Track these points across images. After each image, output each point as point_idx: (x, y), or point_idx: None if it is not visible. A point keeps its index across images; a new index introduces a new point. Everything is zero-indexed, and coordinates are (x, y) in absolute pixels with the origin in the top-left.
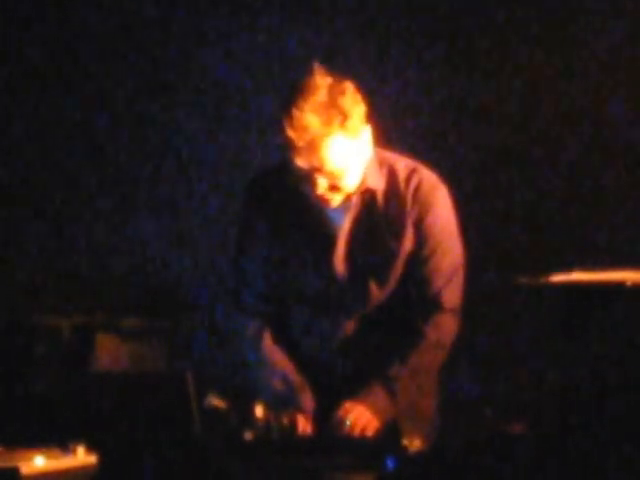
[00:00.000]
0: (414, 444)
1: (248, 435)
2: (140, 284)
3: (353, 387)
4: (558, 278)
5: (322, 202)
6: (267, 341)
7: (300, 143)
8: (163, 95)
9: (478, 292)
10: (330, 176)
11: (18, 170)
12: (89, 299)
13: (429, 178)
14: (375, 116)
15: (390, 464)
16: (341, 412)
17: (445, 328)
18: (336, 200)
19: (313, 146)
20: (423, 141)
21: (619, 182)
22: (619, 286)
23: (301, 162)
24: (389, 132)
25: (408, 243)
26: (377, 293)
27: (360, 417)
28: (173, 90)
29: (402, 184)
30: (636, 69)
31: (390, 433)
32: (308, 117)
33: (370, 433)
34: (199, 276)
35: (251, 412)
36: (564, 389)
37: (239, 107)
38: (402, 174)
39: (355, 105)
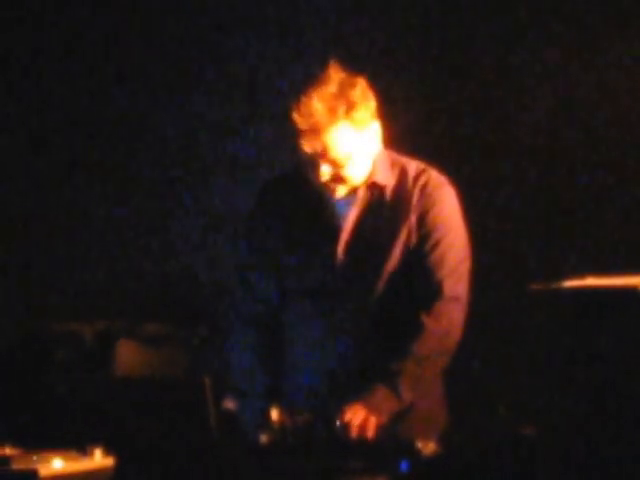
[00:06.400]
0: (428, 447)
1: (264, 438)
2: (161, 291)
3: (356, 386)
4: (571, 283)
5: (327, 191)
6: (257, 346)
7: (304, 127)
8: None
9: (491, 299)
10: (334, 164)
11: (42, 179)
12: (110, 305)
13: (437, 177)
14: (387, 119)
15: (404, 467)
16: (339, 414)
17: (446, 316)
18: (341, 190)
19: (317, 131)
20: (434, 148)
21: (633, 185)
22: (633, 291)
23: (305, 147)
24: (399, 135)
25: (412, 237)
26: (375, 286)
27: (357, 417)
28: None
29: (410, 182)
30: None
31: (404, 436)
32: (315, 104)
33: (369, 432)
34: (220, 283)
35: (267, 415)
36: (578, 394)
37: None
38: (412, 173)
39: (364, 99)
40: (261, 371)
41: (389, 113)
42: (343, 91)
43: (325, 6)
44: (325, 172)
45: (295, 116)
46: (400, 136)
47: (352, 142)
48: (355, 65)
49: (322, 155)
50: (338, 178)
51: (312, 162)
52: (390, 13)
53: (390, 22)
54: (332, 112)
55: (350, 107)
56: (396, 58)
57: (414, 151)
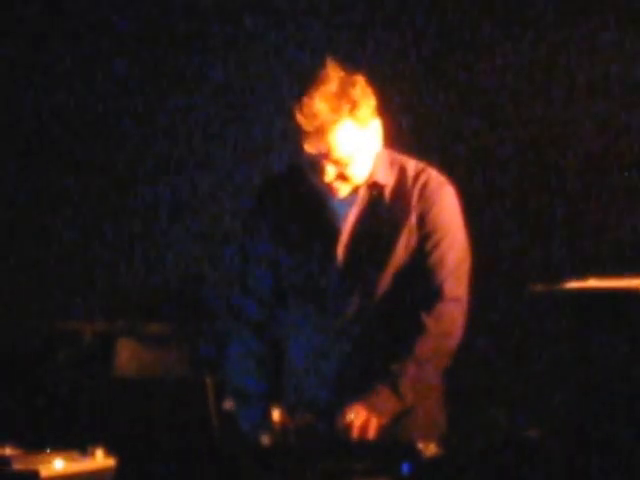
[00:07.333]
0: (429, 449)
1: (265, 439)
2: (161, 291)
3: (357, 387)
4: (573, 285)
5: (330, 191)
6: (256, 347)
7: (309, 128)
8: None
9: (492, 299)
10: (338, 163)
11: (40, 179)
12: (110, 305)
13: (437, 177)
14: (386, 117)
15: (405, 469)
16: (340, 415)
17: (447, 317)
18: (344, 190)
19: (321, 131)
20: (433, 147)
21: (634, 187)
22: (634, 293)
23: (310, 148)
24: (397, 133)
25: (412, 238)
26: (376, 287)
27: (358, 418)
28: (191, 92)
29: (410, 181)
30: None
31: (405, 438)
32: (318, 104)
33: (371, 433)
34: (221, 282)
35: (268, 416)
36: (579, 396)
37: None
38: (411, 173)
39: (365, 97)
40: (260, 373)
41: (387, 112)
42: (344, 90)
43: (323, 4)
44: (330, 173)
45: (299, 117)
46: (398, 135)
47: (356, 140)
48: (353, 64)
49: (326, 155)
50: (342, 177)
51: (316, 163)
52: (389, 11)
53: (389, 21)
54: (336, 111)
55: (353, 105)
56: (395, 57)
57: (413, 150)
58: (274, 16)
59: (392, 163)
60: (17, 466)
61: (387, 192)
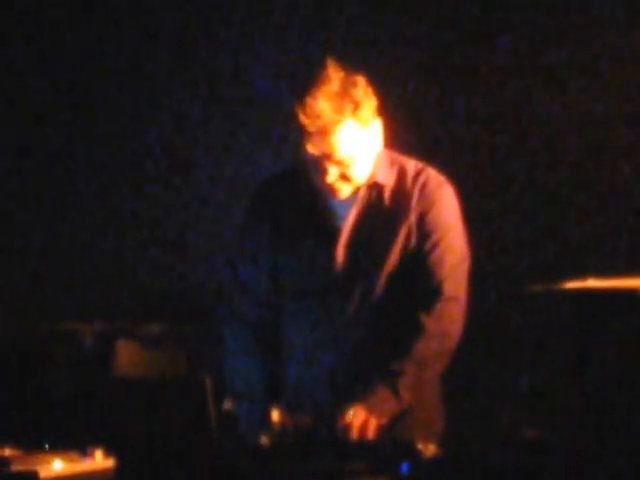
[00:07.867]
0: (429, 449)
1: (264, 440)
2: (160, 290)
3: (357, 387)
4: (572, 285)
5: (332, 192)
6: (254, 347)
7: (312, 129)
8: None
9: (491, 299)
10: (340, 164)
11: (41, 179)
12: (110, 305)
13: (436, 177)
14: (386, 117)
15: (405, 469)
16: (339, 416)
17: (446, 316)
18: (345, 190)
19: (324, 132)
20: (432, 146)
21: (635, 186)
22: (634, 293)
23: (312, 149)
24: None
25: (411, 237)
26: (375, 286)
27: (358, 418)
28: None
29: (409, 181)
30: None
31: (404, 438)
32: (321, 104)
33: (370, 434)
34: (220, 282)
35: (267, 416)
36: (579, 395)
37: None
38: (411, 173)
39: (366, 97)
40: (258, 373)
41: (387, 112)
42: (346, 90)
43: (324, 4)
44: (332, 173)
45: (302, 118)
46: (398, 135)
47: (358, 141)
48: (354, 63)
49: (329, 156)
50: (344, 178)
51: (318, 163)
52: (389, 11)
53: (389, 21)
54: (339, 111)
55: (355, 105)
56: (394, 57)
57: (412, 150)
58: (274, 16)
59: (392, 163)
60: (16, 467)
61: (387, 192)
